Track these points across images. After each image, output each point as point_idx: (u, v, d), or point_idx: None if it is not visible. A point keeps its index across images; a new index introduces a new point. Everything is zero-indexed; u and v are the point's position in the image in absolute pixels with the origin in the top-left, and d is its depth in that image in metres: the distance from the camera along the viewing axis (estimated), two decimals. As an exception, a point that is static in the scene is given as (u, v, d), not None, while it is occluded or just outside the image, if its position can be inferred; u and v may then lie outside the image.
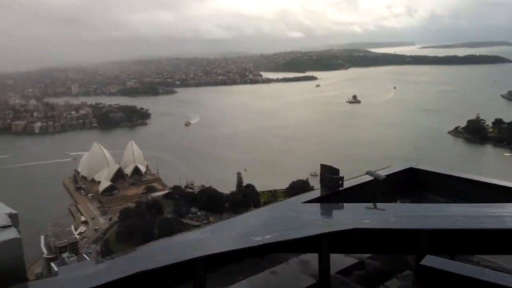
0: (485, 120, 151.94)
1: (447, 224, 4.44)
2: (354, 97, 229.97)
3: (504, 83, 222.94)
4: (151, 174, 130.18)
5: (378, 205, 5.10)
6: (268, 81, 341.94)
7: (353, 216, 4.67)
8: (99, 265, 4.19)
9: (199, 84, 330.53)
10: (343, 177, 5.73)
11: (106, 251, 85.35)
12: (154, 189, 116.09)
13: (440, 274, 3.41)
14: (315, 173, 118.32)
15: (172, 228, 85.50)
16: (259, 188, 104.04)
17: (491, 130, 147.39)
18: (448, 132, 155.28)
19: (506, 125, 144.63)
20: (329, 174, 5.70)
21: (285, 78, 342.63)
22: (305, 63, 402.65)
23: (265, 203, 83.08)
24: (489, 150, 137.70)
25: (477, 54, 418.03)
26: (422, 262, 3.52)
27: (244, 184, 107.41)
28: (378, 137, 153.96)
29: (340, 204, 5.38)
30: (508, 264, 4.83)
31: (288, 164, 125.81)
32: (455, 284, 3.14)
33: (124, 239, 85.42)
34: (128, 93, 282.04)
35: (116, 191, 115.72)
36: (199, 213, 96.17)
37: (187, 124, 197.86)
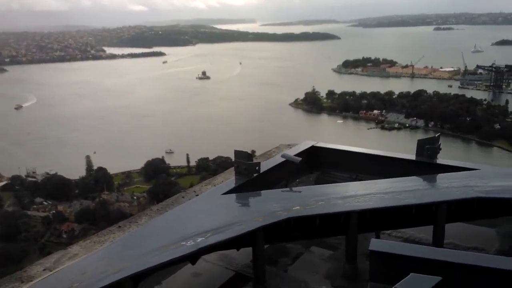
0: (320, 92, 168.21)
1: (374, 203, 4.52)
2: (204, 73, 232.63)
3: (334, 58, 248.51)
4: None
5: (299, 188, 5.26)
6: (113, 57, 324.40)
7: (280, 204, 4.52)
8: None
9: (32, 61, 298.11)
10: (259, 163, 5.59)
11: None
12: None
13: (393, 258, 3.46)
14: (170, 150, 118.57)
15: (16, 222, 78.20)
16: (112, 170, 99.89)
17: (325, 100, 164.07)
18: (289, 104, 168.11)
19: (337, 95, 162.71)
20: (244, 160, 5.49)
21: (131, 53, 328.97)
22: (151, 38, 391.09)
23: (120, 185, 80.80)
24: (325, 118, 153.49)
25: (311, 31, 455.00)
26: (372, 248, 3.50)
27: (95, 167, 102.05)
28: (228, 111, 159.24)
29: (261, 191, 5.20)
30: (423, 234, 5.19)
31: (140, 144, 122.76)
32: (409, 265, 3.14)
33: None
34: None
35: None
36: (45, 202, 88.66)
37: (18, 107, 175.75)
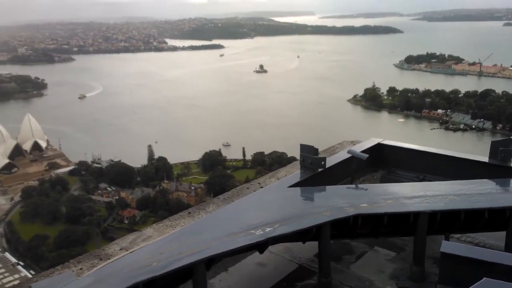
0: (380, 88, 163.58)
1: (445, 204, 4.41)
2: (261, 66, 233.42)
3: (396, 53, 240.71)
4: (53, 149, 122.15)
5: (365, 186, 5.15)
6: (174, 49, 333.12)
7: (346, 200, 4.50)
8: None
9: (99, 51, 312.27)
10: (325, 158, 5.52)
11: (10, 233, 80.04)
12: (58, 166, 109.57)
13: (466, 262, 3.36)
14: (227, 143, 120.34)
15: (81, 206, 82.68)
16: (172, 160, 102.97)
17: (385, 97, 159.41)
18: (348, 100, 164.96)
19: (398, 92, 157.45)
20: (310, 154, 5.44)
21: (192, 46, 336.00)
22: (211, 30, 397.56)
23: (179, 175, 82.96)
24: (385, 116, 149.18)
25: (372, 25, 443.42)
26: (443, 250, 3.44)
27: (156, 156, 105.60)
28: (285, 105, 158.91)
29: (327, 187, 5.20)
30: (493, 240, 5.07)
31: (198, 135, 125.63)
32: (482, 270, 3.06)
33: (29, 219, 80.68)
34: (20, 61, 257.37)
35: (16, 168, 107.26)
36: (109, 188, 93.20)
37: (82, 97, 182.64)
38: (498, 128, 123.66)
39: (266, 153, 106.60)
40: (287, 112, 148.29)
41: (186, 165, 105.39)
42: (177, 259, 3.43)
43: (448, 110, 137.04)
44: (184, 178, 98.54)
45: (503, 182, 5.19)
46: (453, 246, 3.74)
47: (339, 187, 5.30)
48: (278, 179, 6.43)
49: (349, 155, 5.83)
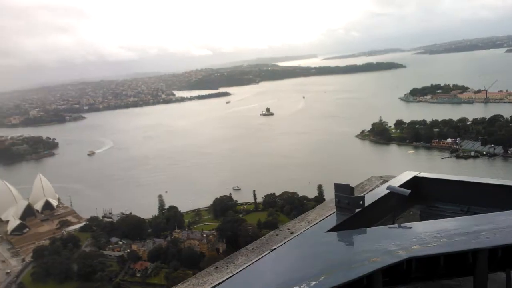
0: (388, 122, 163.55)
1: (504, 238, 4.03)
2: (267, 109, 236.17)
3: (401, 87, 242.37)
4: (64, 207, 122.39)
5: (410, 224, 4.77)
6: (182, 99, 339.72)
7: (395, 242, 4.09)
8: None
9: (108, 108, 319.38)
10: (363, 197, 5.16)
11: (21, 296, 78.94)
12: (69, 223, 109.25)
13: None
14: (237, 187, 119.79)
15: (93, 262, 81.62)
16: (182, 208, 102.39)
17: (393, 130, 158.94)
18: (356, 136, 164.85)
19: (406, 125, 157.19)
20: (346, 194, 5.10)
21: (199, 95, 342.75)
22: (217, 79, 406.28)
23: (190, 223, 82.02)
24: (395, 149, 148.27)
25: (374, 62, 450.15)
26: None
27: (166, 206, 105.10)
28: (293, 146, 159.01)
29: (369, 228, 4.81)
30: None
31: (209, 181, 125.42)
32: None
33: (41, 279, 79.63)
34: (32, 123, 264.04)
35: (27, 229, 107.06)
36: (120, 242, 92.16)
37: (91, 154, 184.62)
38: (509, 152, 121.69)
39: (277, 194, 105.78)
40: (295, 153, 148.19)
41: (197, 213, 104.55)
42: None
43: (458, 139, 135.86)
44: (195, 226, 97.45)
45: None
46: None
47: (382, 228, 4.94)
48: (308, 222, 6.00)
49: (385, 192, 5.48)
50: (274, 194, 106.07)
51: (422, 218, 5.97)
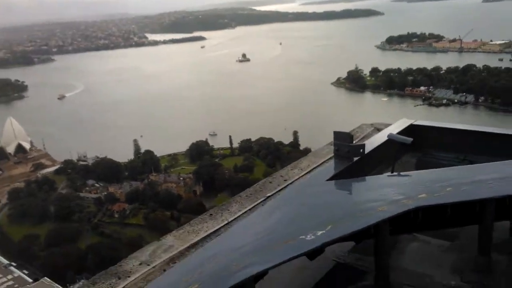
0: (363, 70, 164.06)
1: (511, 188, 3.96)
2: (244, 55, 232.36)
3: (378, 35, 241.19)
4: (37, 150, 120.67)
5: (413, 173, 4.70)
6: (155, 43, 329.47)
7: (400, 191, 4.04)
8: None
9: (78, 50, 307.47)
10: (364, 145, 5.04)
11: (-1, 235, 79.36)
12: (43, 166, 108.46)
13: None
14: (213, 132, 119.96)
15: (70, 204, 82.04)
16: (158, 153, 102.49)
17: (368, 78, 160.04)
18: (332, 83, 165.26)
19: (381, 73, 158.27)
20: (346, 142, 4.95)
21: (173, 39, 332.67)
22: (191, 23, 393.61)
23: (166, 167, 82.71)
24: (369, 96, 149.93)
25: (353, 9, 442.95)
26: None
27: (142, 150, 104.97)
28: (269, 92, 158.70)
29: (371, 177, 4.76)
30: None
31: (184, 127, 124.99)
32: None
33: (17, 220, 79.92)
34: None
35: (0, 172, 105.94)
36: (97, 184, 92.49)
37: (61, 97, 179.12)
38: (480, 101, 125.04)
39: (252, 139, 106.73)
40: (271, 99, 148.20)
41: (173, 157, 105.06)
42: (223, 278, 2.93)
43: (431, 87, 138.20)
44: (172, 170, 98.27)
45: None
46: None
47: (383, 177, 4.77)
48: (301, 169, 5.94)
49: (382, 140, 5.39)
50: (250, 139, 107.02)
51: (418, 166, 5.93)
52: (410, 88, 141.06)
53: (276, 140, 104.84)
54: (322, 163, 6.01)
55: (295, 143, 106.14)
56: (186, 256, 4.11)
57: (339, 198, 4.25)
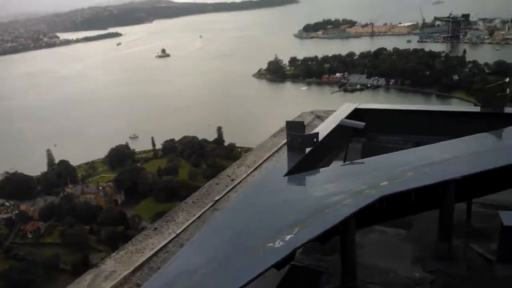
0: (283, 60, 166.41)
1: (469, 168, 3.85)
2: (163, 50, 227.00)
3: (295, 23, 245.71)
4: None
5: (369, 160, 4.36)
6: (67, 42, 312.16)
7: (360, 181, 3.75)
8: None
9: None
10: (318, 134, 4.72)
11: None
12: None
13: None
14: (134, 135, 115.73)
15: (-24, 227, 75.43)
16: (75, 162, 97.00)
17: (288, 68, 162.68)
18: (253, 75, 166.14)
19: (299, 62, 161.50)
20: (299, 132, 4.63)
21: (86, 37, 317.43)
22: (106, 19, 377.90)
23: (84, 177, 78.36)
24: (289, 86, 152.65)
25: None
26: (506, 223, 3.14)
27: (56, 161, 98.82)
28: (192, 87, 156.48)
29: (328, 168, 4.61)
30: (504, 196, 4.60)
31: (102, 131, 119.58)
32: None
33: None
34: None
35: None
36: (7, 203, 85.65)
37: None
38: (391, 83, 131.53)
39: (176, 139, 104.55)
40: (193, 95, 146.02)
41: (91, 165, 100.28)
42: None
43: (345, 73, 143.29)
44: (90, 179, 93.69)
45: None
46: None
47: (341, 167, 4.45)
48: (248, 167, 5.61)
49: (330, 127, 5.14)
50: (173, 139, 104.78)
51: (364, 152, 5.68)
52: (327, 76, 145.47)
53: (200, 137, 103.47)
54: (269, 157, 5.77)
55: (219, 140, 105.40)
56: (132, 281, 3.58)
57: (300, 195, 3.87)
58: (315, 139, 4.59)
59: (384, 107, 6.32)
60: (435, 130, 5.46)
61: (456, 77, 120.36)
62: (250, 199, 3.85)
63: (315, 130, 5.05)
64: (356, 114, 5.87)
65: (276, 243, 2.86)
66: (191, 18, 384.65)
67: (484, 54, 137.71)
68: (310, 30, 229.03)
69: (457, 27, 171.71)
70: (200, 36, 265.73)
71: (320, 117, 7.03)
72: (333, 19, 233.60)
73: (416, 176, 3.74)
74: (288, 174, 4.15)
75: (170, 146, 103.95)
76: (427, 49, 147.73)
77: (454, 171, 3.78)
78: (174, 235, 4.22)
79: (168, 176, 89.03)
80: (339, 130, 5.17)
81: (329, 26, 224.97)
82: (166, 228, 4.40)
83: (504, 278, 3.53)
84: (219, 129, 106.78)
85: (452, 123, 5.47)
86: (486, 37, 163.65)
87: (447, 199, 3.76)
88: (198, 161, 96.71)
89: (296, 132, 4.58)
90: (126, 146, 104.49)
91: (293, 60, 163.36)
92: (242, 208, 3.67)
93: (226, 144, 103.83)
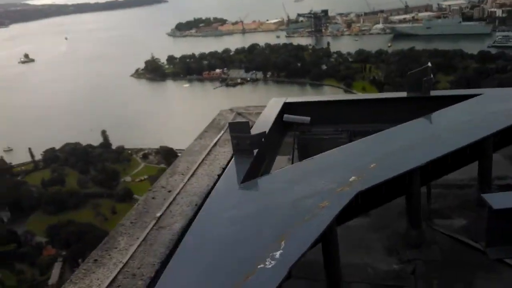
0: (160, 59, 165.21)
1: (425, 155, 3.86)
2: (26, 55, 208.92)
3: (167, 22, 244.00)
4: None
5: (323, 155, 4.24)
6: None
7: (327, 179, 3.63)
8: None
9: None
10: (265, 133, 4.57)
11: None
12: None
13: None
14: (8, 148, 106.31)
15: None
16: None
17: (167, 66, 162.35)
18: (131, 75, 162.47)
19: (178, 60, 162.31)
20: (245, 133, 4.39)
21: None
22: None
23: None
24: (171, 84, 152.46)
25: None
26: (496, 206, 3.04)
27: None
28: (64, 94, 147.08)
29: (287, 168, 4.37)
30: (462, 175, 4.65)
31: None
32: None
33: None
34: None
35: None
36: None
37: None
38: (268, 76, 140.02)
39: (57, 147, 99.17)
40: (67, 101, 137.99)
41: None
42: None
43: (225, 68, 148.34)
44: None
45: (452, 111, 4.77)
46: (503, 198, 3.21)
47: (300, 165, 4.26)
48: (183, 174, 5.11)
49: (268, 124, 5.05)
50: (53, 148, 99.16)
51: (300, 146, 5.61)
52: (207, 72, 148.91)
53: (84, 143, 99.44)
54: (202, 161, 5.38)
55: (106, 143, 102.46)
56: None
57: (270, 202, 3.55)
58: (263, 139, 4.44)
59: (312, 99, 6.32)
60: (367, 118, 5.47)
61: (324, 66, 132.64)
62: (214, 215, 3.46)
63: (255, 129, 4.85)
64: (286, 108, 5.73)
65: (267, 263, 2.60)
66: (52, 20, 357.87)
67: (345, 45, 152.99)
68: (183, 29, 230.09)
69: (318, 22, 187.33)
70: (66, 38, 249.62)
71: (241, 114, 6.68)
72: (204, 17, 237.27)
73: (381, 168, 3.71)
74: (244, 180, 3.90)
75: (51, 156, 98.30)
76: (295, 43, 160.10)
77: (416, 158, 3.81)
78: (121, 265, 3.62)
79: (54, 186, 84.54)
80: (275, 126, 5.13)
81: (201, 25, 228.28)
82: (108, 258, 3.76)
83: (492, 261, 3.44)
84: (104, 133, 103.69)
85: (383, 110, 5.51)
86: (345, 29, 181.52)
87: (413, 187, 3.79)
88: (85, 168, 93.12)
89: (241, 133, 4.37)
90: (1, 161, 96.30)
91: (171, 59, 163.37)
92: (209, 227, 3.28)
93: (114, 147, 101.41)
